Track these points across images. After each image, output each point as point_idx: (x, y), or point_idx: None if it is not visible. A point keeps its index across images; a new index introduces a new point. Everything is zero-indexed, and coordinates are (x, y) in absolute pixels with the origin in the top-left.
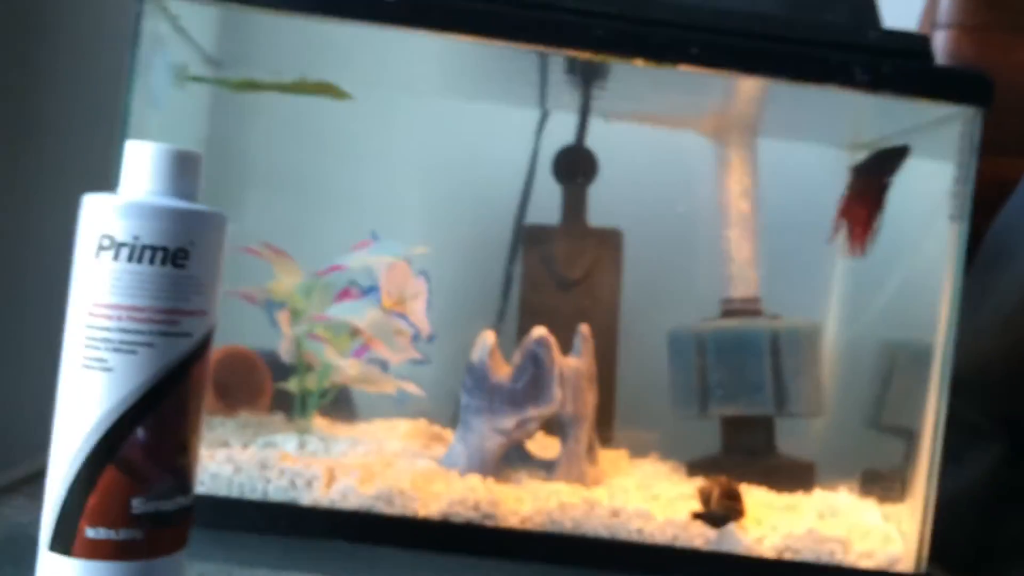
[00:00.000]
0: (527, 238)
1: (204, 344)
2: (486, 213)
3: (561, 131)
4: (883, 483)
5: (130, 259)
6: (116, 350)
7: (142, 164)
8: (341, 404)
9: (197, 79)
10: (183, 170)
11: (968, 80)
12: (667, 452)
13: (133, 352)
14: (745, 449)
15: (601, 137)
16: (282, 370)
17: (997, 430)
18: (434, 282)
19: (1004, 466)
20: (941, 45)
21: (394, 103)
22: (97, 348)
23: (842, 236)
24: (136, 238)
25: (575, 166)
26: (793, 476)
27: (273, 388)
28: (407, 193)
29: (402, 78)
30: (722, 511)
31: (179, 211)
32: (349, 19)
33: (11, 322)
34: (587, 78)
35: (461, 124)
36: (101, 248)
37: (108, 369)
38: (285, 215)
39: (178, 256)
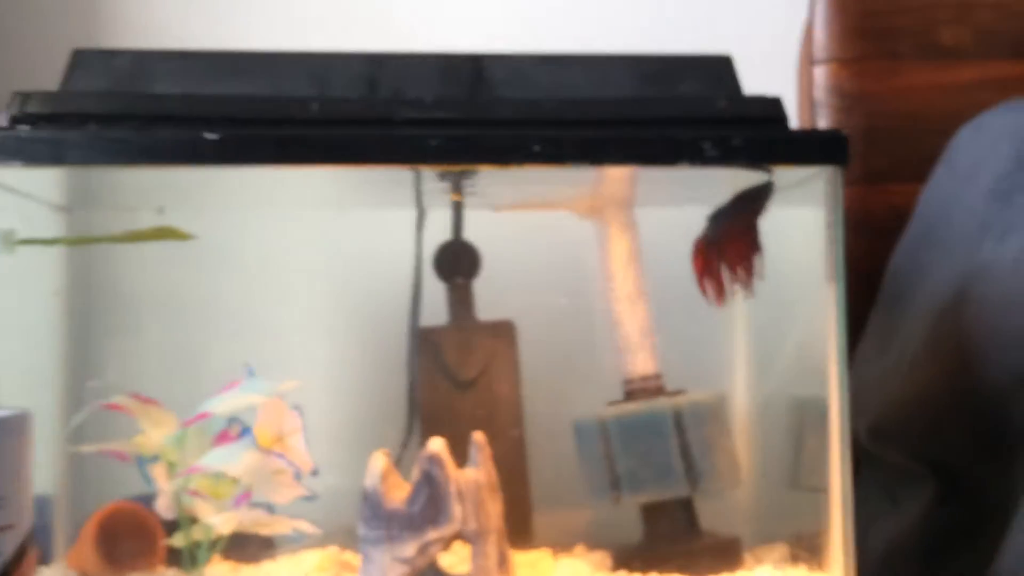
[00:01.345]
0: (419, 343)
1: (18, 559)
2: (378, 322)
3: (441, 227)
4: (807, 548)
5: None
6: None
7: None
8: (248, 540)
9: (26, 242)
10: None
11: (821, 142)
12: (595, 541)
13: None
14: (667, 534)
15: (482, 228)
16: (169, 522)
17: (925, 471)
18: (335, 401)
19: (937, 506)
20: (821, 80)
21: (269, 220)
22: None
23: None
24: None
25: (456, 262)
26: (719, 556)
27: (165, 542)
28: (293, 313)
29: (272, 194)
30: None
31: None
32: (173, 165)
33: None
34: (455, 176)
35: (342, 234)
36: None
37: None
38: (164, 352)
39: None
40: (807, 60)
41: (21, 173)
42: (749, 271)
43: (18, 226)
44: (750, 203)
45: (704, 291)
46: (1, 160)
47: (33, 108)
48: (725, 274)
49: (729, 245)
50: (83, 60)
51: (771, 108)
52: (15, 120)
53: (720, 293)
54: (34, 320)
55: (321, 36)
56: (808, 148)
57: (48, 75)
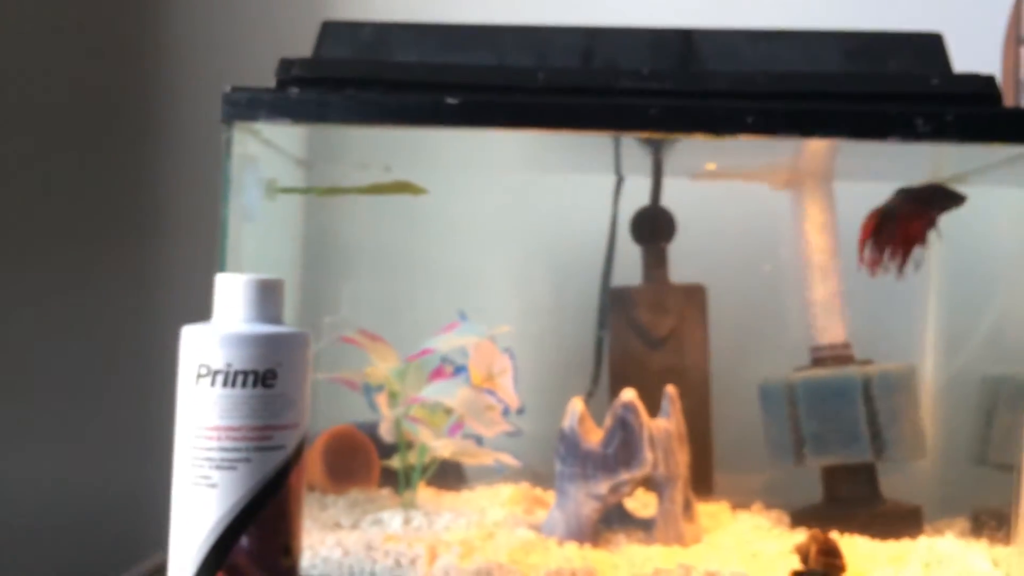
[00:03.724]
0: (612, 301)
1: (298, 453)
2: (571, 279)
3: (638, 193)
4: (992, 524)
5: (225, 384)
6: (218, 467)
7: (231, 295)
8: (448, 471)
9: (286, 190)
10: (267, 297)
11: None
12: (772, 499)
13: (234, 468)
14: (847, 497)
15: (678, 195)
16: (386, 446)
17: None
18: (528, 351)
19: None
20: None
21: (477, 181)
22: (202, 467)
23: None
24: (229, 365)
25: (653, 226)
26: (899, 522)
27: (380, 465)
28: (495, 267)
29: (482, 157)
30: (821, 569)
31: (266, 336)
32: (417, 126)
33: (136, 432)
34: (657, 144)
35: (542, 196)
36: (199, 376)
37: (213, 485)
38: (381, 297)
39: (267, 377)
40: (1014, 39)
41: (274, 129)
42: (905, 256)
43: (276, 178)
44: (938, 201)
45: (861, 253)
46: (274, 118)
47: (297, 72)
48: (886, 249)
49: (900, 225)
50: (331, 31)
51: (984, 86)
52: (282, 83)
53: (874, 263)
54: (279, 261)
55: (536, 9)
56: (1022, 127)
57: (288, 46)
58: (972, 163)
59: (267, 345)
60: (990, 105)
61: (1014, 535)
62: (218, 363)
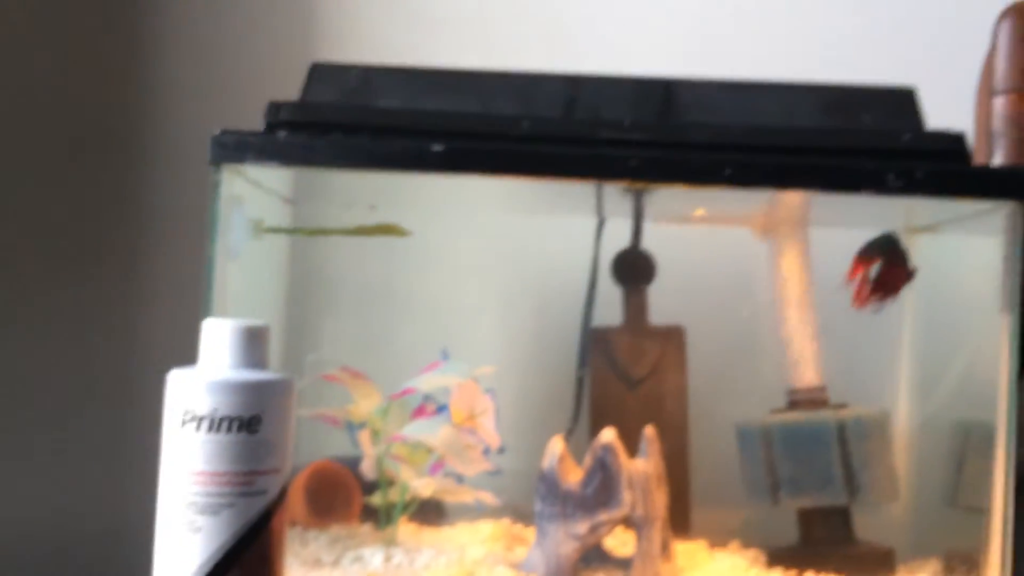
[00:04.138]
0: (592, 341)
1: (280, 497)
2: (553, 319)
3: (620, 235)
4: (962, 567)
5: (210, 429)
6: (202, 512)
7: (217, 341)
8: (429, 506)
9: (273, 230)
10: (253, 343)
11: (1004, 178)
12: (749, 539)
13: (217, 513)
14: (822, 539)
15: (659, 239)
16: (368, 483)
17: None
18: (509, 389)
19: None
20: (1001, 110)
21: (462, 221)
22: (186, 511)
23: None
24: (215, 410)
25: (634, 268)
26: (872, 564)
27: (362, 500)
28: (478, 306)
29: (467, 198)
30: None
31: (251, 383)
32: (402, 171)
33: (118, 470)
34: (638, 191)
35: (525, 237)
36: (185, 420)
37: (197, 530)
38: (365, 335)
39: (252, 423)
40: (987, 90)
41: (264, 170)
42: (887, 295)
43: (262, 217)
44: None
45: (849, 284)
46: (262, 160)
47: (285, 116)
48: (870, 286)
49: (888, 267)
50: (319, 73)
51: (953, 143)
52: (271, 126)
53: (858, 298)
54: (264, 299)
55: (519, 56)
56: (991, 183)
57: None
58: (944, 214)
59: (252, 392)
60: (959, 162)
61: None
62: (204, 409)
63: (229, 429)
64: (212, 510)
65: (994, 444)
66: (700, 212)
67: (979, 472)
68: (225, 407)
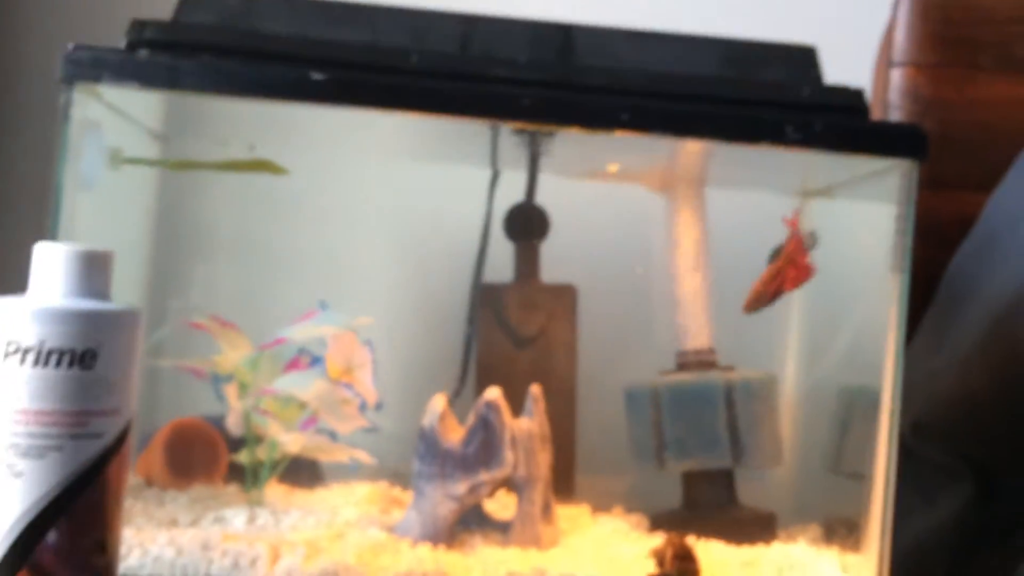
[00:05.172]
0: (482, 298)
1: (119, 442)
2: (442, 273)
3: (515, 189)
4: (842, 532)
5: (36, 363)
6: (25, 455)
7: (50, 266)
8: (303, 468)
9: (132, 161)
10: (91, 270)
11: (901, 135)
12: (632, 504)
13: (42, 456)
14: (705, 502)
15: (553, 194)
16: (235, 440)
17: (965, 471)
18: (396, 348)
19: (973, 506)
20: (897, 82)
21: (348, 167)
22: (6, 454)
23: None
24: (42, 342)
25: (527, 223)
26: (754, 528)
27: (228, 459)
28: (362, 256)
29: (354, 142)
30: (676, 573)
31: (85, 313)
32: (278, 99)
33: None
34: (534, 138)
35: (413, 186)
36: (8, 353)
37: (18, 475)
38: (239, 283)
39: (85, 357)
40: (885, 62)
41: (126, 97)
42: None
43: (123, 147)
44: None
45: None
46: (119, 80)
47: (150, 35)
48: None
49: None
50: None
51: (853, 99)
52: (132, 45)
53: (759, 300)
54: (124, 239)
55: None
56: (889, 139)
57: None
58: (838, 176)
59: (87, 322)
60: (858, 118)
61: (863, 543)
62: (29, 340)
63: (59, 363)
64: (36, 453)
65: (879, 410)
66: (598, 170)
67: (862, 438)
68: (54, 338)
